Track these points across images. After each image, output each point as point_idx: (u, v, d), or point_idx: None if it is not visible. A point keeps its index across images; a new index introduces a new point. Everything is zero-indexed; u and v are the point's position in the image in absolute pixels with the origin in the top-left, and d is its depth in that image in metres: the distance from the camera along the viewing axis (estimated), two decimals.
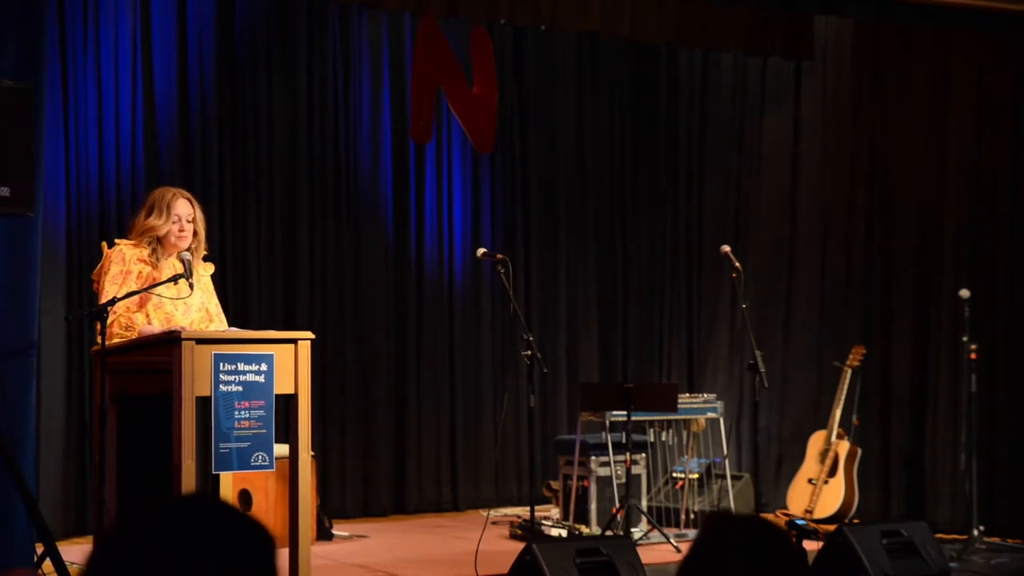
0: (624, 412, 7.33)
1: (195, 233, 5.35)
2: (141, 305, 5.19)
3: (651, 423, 7.95)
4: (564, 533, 7.32)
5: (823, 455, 8.13)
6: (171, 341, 4.85)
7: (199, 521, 1.69)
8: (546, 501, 8.71)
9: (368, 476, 8.72)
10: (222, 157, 8.29)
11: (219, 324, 5.40)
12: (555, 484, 8.40)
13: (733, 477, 7.91)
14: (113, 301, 5.03)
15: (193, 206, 5.36)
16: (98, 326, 4.99)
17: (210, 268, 5.53)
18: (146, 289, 5.16)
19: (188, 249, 5.31)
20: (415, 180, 9.04)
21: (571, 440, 7.97)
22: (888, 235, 8.54)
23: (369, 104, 8.85)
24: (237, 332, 5.23)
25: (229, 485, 5.50)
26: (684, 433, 8.08)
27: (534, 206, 9.55)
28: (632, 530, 7.47)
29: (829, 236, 8.91)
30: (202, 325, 5.32)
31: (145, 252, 5.27)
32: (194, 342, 4.83)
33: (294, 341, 5.13)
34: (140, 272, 5.24)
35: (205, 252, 5.47)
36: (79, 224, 7.69)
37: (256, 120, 8.41)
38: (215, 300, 5.48)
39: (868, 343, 8.34)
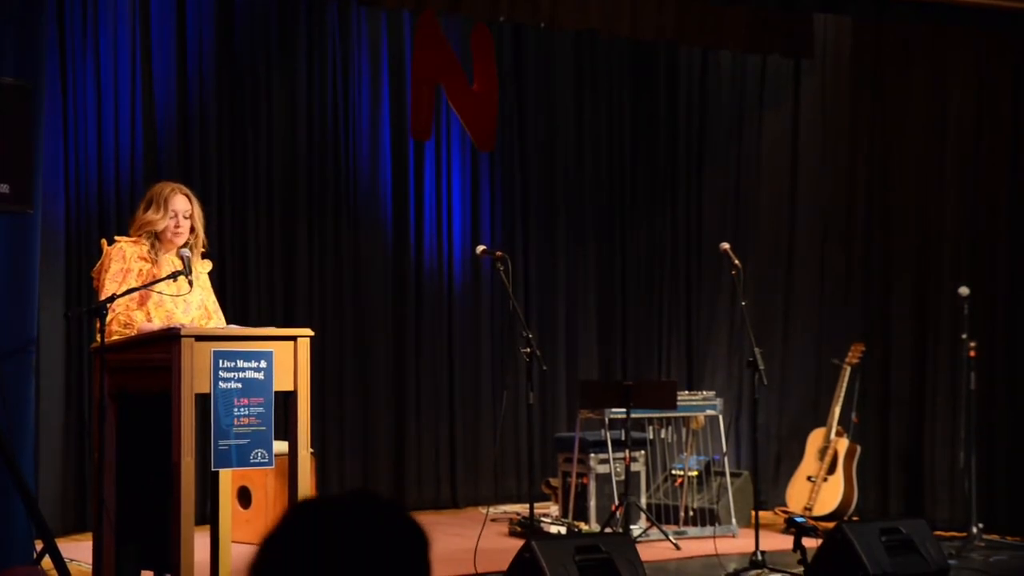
0: (623, 409, 7.33)
1: (192, 229, 5.34)
2: (141, 303, 5.18)
3: (650, 420, 7.96)
4: (563, 530, 7.32)
5: (822, 452, 8.13)
6: (170, 338, 4.85)
7: (359, 517, 1.79)
8: (545, 498, 8.71)
9: (367, 473, 8.73)
10: (221, 155, 8.29)
11: (217, 321, 5.39)
12: (554, 481, 8.41)
13: (732, 474, 7.92)
14: (112, 298, 5.02)
15: (191, 202, 5.35)
16: (97, 323, 4.99)
17: (208, 265, 5.53)
18: (146, 286, 5.16)
19: (186, 245, 5.30)
20: (414, 178, 9.04)
21: (570, 437, 7.97)
22: (887, 233, 8.54)
23: (368, 102, 8.85)
24: (237, 329, 5.23)
25: (228, 482, 5.50)
26: (683, 430, 8.09)
27: (533, 204, 9.56)
28: (631, 527, 7.48)
29: (828, 234, 8.91)
30: (202, 322, 5.32)
31: (145, 249, 5.26)
32: (193, 339, 4.83)
33: (293, 338, 5.13)
34: (140, 270, 5.23)
35: (204, 249, 5.46)
36: (78, 221, 7.69)
37: (255, 118, 8.41)
38: (212, 297, 5.47)
39: (867, 341, 8.34)
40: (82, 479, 7.60)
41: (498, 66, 8.70)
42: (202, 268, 5.46)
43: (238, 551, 5.49)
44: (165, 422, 4.87)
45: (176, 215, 5.28)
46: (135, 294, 5.14)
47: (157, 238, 5.29)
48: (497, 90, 8.47)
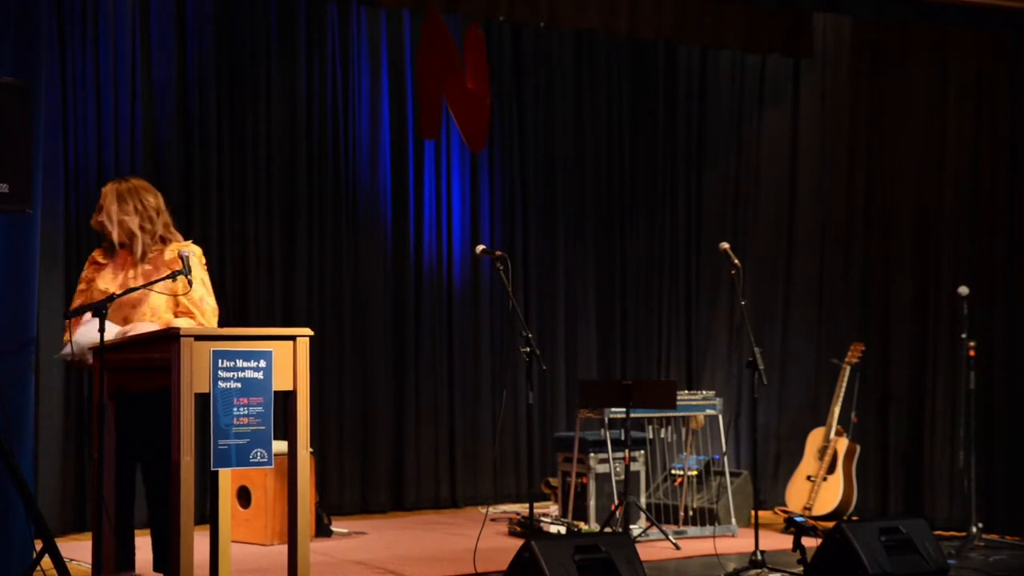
0: (623, 409, 7.33)
1: (123, 224, 5.35)
2: (91, 280, 5.36)
3: (650, 420, 7.96)
4: (563, 530, 7.32)
5: (822, 452, 8.13)
6: (170, 338, 4.86)
7: None
8: (545, 498, 8.71)
9: (367, 473, 8.73)
10: (221, 155, 8.30)
11: (194, 318, 5.28)
12: (554, 481, 8.41)
13: (732, 474, 7.92)
14: (112, 298, 5.06)
15: (106, 197, 5.37)
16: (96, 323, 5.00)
17: (180, 250, 5.31)
18: (145, 286, 5.18)
19: (134, 243, 5.33)
20: (414, 177, 9.05)
21: (570, 437, 7.97)
22: (886, 232, 8.54)
23: (368, 101, 8.85)
24: (235, 329, 5.19)
25: (228, 482, 5.50)
26: (683, 430, 8.09)
27: (533, 203, 9.56)
28: (631, 527, 7.48)
29: (827, 233, 8.92)
30: (152, 319, 5.22)
31: (99, 252, 5.41)
32: (193, 339, 4.83)
33: (293, 338, 5.13)
34: (92, 278, 5.40)
35: (168, 233, 5.40)
36: (78, 221, 7.68)
37: (255, 117, 8.41)
38: (201, 291, 5.31)
39: (867, 340, 8.34)
40: (81, 479, 7.61)
41: (498, 66, 8.70)
42: (170, 254, 5.34)
43: (238, 551, 5.50)
44: (165, 421, 4.87)
45: (99, 210, 5.40)
46: (95, 275, 5.34)
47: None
48: (489, 90, 8.47)
